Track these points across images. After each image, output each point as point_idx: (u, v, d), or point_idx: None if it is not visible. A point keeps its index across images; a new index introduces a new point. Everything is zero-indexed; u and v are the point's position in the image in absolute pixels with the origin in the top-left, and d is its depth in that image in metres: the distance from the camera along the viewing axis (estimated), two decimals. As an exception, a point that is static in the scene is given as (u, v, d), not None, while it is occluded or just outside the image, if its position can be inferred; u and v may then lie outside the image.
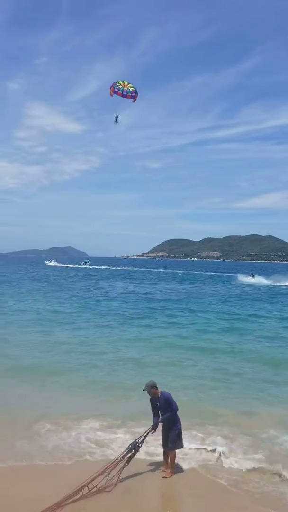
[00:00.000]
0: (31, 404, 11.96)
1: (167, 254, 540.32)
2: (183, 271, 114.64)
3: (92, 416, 10.99)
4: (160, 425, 8.43)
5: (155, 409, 8.47)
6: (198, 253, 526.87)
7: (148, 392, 8.45)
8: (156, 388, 8.44)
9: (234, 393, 13.51)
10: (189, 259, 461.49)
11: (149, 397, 8.53)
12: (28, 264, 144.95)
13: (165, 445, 8.49)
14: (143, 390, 8.52)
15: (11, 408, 11.55)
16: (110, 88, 17.08)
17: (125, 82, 16.94)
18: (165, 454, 8.48)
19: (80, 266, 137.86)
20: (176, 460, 8.55)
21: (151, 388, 8.39)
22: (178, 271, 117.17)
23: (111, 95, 17.04)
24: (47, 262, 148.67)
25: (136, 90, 16.93)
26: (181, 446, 8.58)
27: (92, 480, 7.47)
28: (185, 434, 9.00)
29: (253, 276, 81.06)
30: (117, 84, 16.94)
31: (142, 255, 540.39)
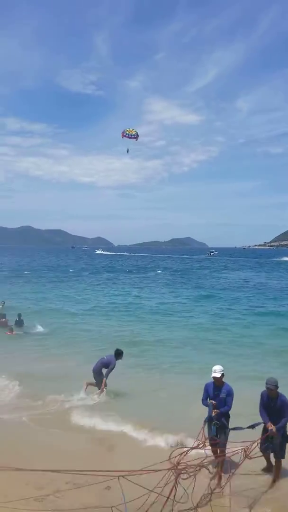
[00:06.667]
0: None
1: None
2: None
3: None
4: None
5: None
6: None
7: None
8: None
9: None
10: None
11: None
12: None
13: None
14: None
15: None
16: (122, 133, 24.58)
17: (130, 129, 24.33)
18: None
19: (208, 256, 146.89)
20: None
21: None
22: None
23: (122, 137, 24.54)
24: (97, 250, 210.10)
25: (137, 133, 24.21)
26: None
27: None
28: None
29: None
30: (125, 130, 24.41)
31: (264, 245, 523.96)
